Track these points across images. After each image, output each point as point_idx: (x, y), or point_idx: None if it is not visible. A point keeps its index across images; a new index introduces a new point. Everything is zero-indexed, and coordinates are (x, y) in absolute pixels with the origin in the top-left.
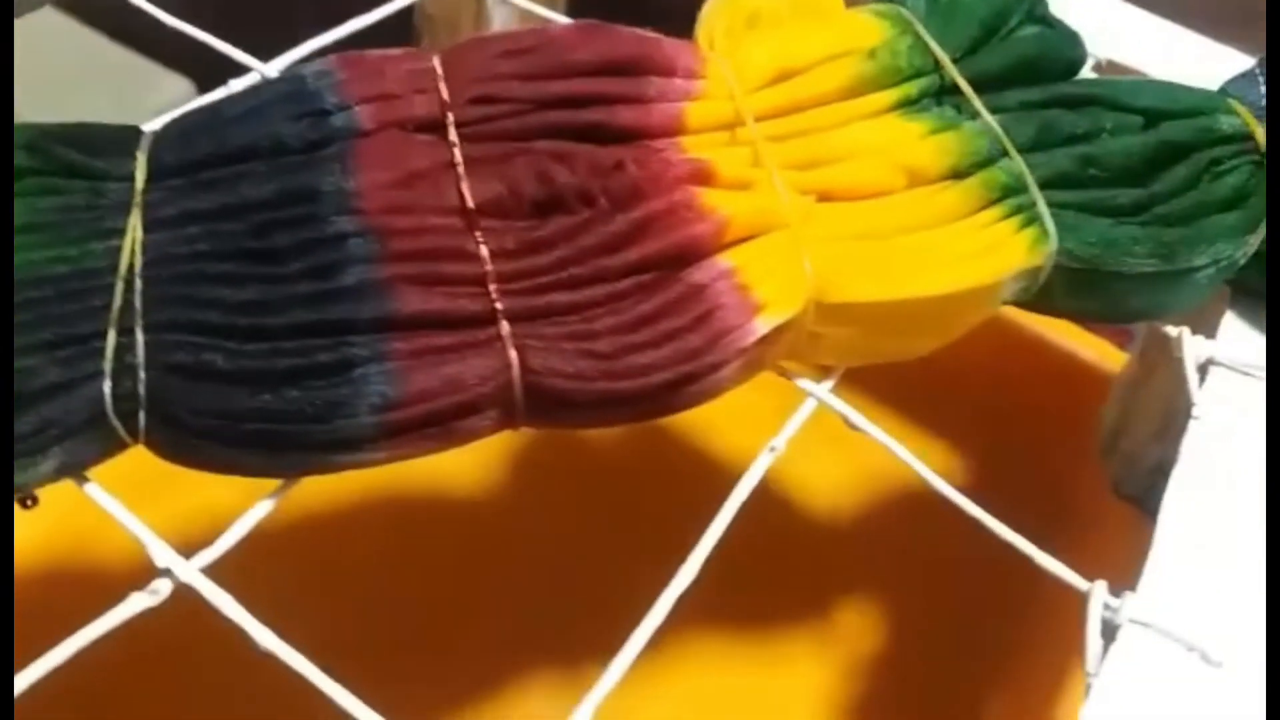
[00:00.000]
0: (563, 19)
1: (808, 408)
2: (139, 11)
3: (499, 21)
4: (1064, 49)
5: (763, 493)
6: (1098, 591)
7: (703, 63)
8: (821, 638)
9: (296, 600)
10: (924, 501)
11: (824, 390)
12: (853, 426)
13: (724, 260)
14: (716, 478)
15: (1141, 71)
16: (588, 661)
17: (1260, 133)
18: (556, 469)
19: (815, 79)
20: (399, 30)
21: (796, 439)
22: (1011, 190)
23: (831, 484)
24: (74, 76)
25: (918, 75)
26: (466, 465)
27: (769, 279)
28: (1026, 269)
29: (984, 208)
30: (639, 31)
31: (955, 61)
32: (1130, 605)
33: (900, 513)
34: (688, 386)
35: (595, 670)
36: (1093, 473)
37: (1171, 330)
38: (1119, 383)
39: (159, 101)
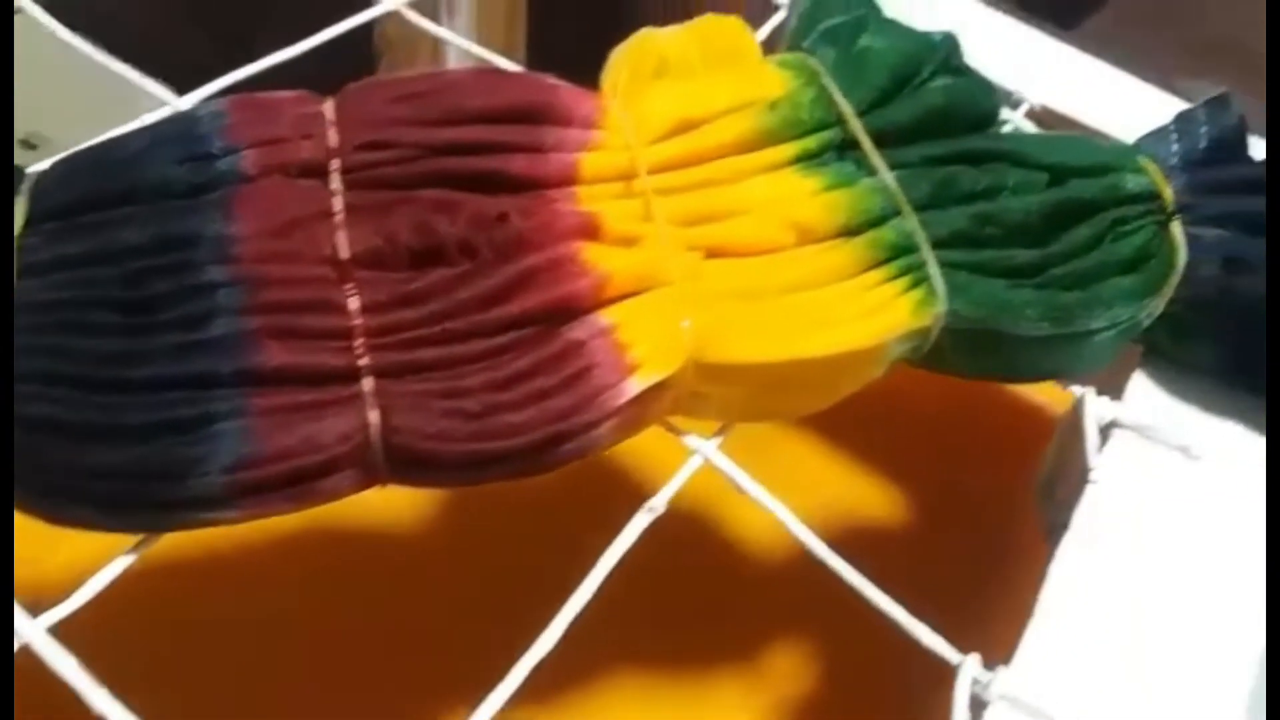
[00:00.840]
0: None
1: (692, 465)
2: (120, 15)
3: (454, 49)
4: (977, 100)
5: (698, 528)
6: (968, 665)
7: (603, 112)
8: (750, 681)
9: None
10: (863, 540)
11: (711, 448)
12: (737, 487)
13: (604, 317)
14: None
15: (1076, 119)
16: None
17: (1168, 192)
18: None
19: (714, 131)
20: (357, 54)
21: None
22: (900, 250)
23: (770, 521)
24: (51, 81)
25: (820, 128)
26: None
27: (647, 338)
28: (913, 330)
29: (871, 268)
30: (540, 78)
31: (863, 113)
32: (1001, 680)
33: (845, 554)
34: (559, 446)
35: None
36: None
37: (1075, 390)
38: (1059, 429)
39: (140, 109)
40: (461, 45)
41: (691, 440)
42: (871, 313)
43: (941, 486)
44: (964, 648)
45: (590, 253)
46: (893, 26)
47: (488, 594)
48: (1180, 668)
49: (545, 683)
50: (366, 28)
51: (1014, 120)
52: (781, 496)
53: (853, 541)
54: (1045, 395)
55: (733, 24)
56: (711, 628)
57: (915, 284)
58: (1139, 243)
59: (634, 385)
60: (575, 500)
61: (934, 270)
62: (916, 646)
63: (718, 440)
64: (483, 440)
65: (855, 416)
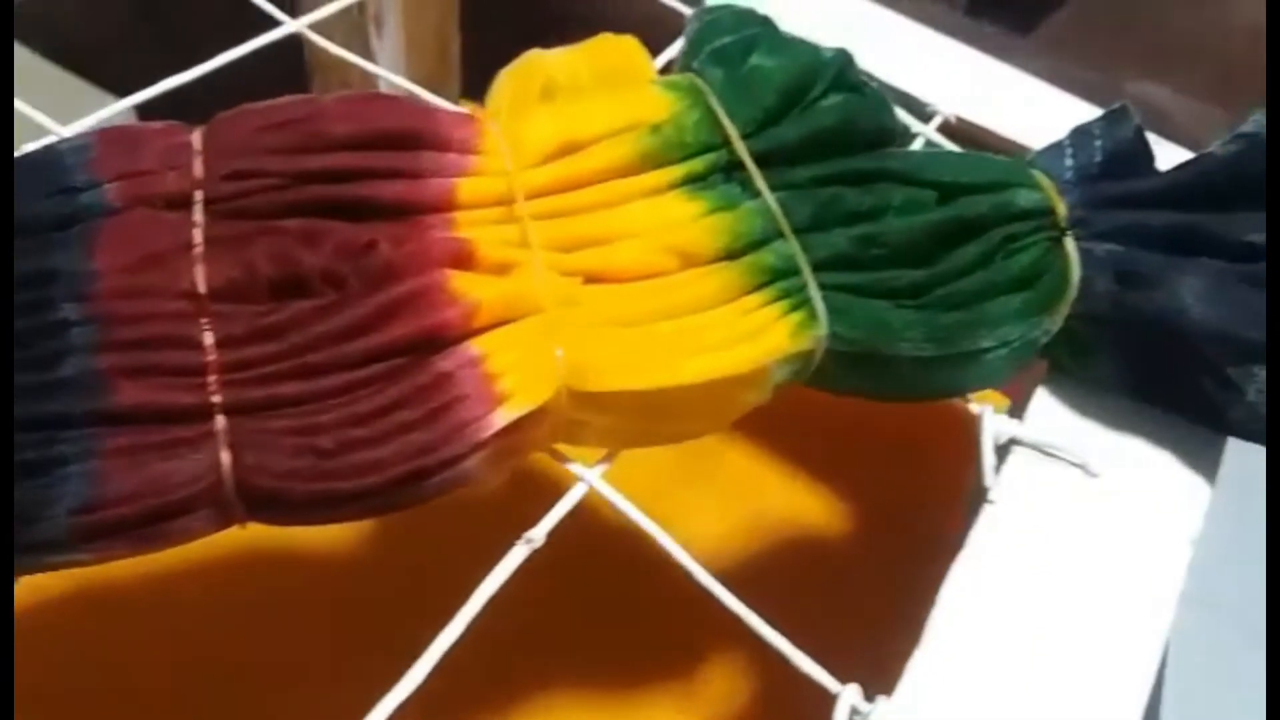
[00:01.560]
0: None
1: (576, 493)
2: (77, 31)
3: (385, 60)
4: (872, 117)
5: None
6: (846, 695)
7: (481, 136)
8: (686, 696)
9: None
10: (801, 549)
11: (595, 475)
12: (621, 512)
13: (473, 347)
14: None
15: (993, 130)
16: None
17: (1061, 207)
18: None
19: (595, 155)
20: (288, 74)
21: (681, 486)
22: (781, 273)
23: (714, 534)
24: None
25: (706, 151)
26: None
27: (518, 368)
28: (793, 354)
29: (750, 292)
30: (417, 102)
31: (751, 134)
32: (880, 710)
33: (782, 565)
34: (422, 482)
35: None
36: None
37: (974, 407)
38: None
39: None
40: (369, 69)
41: (576, 468)
42: (748, 337)
43: (885, 494)
44: (897, 663)
45: (459, 281)
46: (784, 45)
47: (383, 624)
48: (1072, 695)
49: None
50: (297, 48)
51: (926, 133)
52: (721, 504)
53: (791, 551)
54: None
55: (626, 44)
56: (651, 642)
57: (795, 307)
58: (1029, 260)
59: (501, 417)
60: (502, 525)
61: (814, 293)
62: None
63: (603, 467)
64: (335, 479)
65: (800, 423)
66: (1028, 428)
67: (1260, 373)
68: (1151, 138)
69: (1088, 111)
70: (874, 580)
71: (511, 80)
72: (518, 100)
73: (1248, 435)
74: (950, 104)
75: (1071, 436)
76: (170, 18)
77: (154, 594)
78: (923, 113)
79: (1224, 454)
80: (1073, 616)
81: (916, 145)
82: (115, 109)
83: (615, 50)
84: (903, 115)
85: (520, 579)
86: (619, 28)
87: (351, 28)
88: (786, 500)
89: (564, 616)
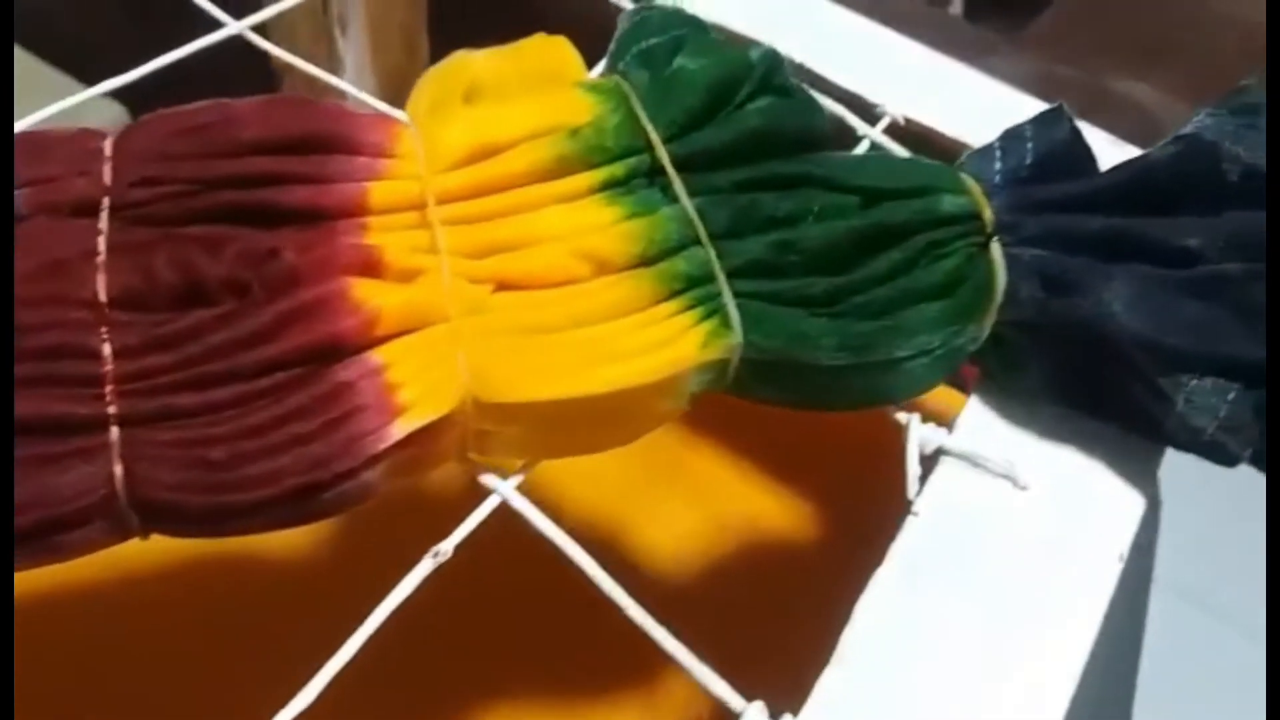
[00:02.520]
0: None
1: (488, 505)
2: (71, 32)
3: (350, 63)
4: (799, 120)
5: (606, 543)
6: (750, 713)
7: (396, 140)
8: (651, 703)
9: None
10: (768, 557)
11: (509, 487)
12: (534, 528)
13: (375, 357)
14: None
15: (942, 130)
16: None
17: (988, 212)
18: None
19: (511, 159)
20: (260, 75)
21: (643, 489)
22: (695, 281)
23: (675, 536)
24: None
25: (627, 155)
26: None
27: (419, 378)
28: (705, 363)
29: (664, 299)
30: (332, 106)
31: (674, 138)
32: None
33: (742, 568)
34: (317, 495)
35: None
36: None
37: (901, 416)
38: None
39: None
40: (333, 65)
41: (489, 479)
42: (659, 346)
43: (849, 500)
44: None
45: (361, 289)
46: (711, 47)
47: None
48: (989, 717)
49: None
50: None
51: (872, 135)
52: (683, 507)
53: (752, 555)
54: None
55: (556, 45)
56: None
57: (708, 315)
58: (950, 267)
59: (400, 428)
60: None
61: (729, 301)
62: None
63: (517, 479)
64: (226, 492)
65: (766, 427)
66: (956, 437)
67: (1190, 382)
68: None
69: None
70: (834, 586)
71: (434, 82)
72: (439, 102)
73: (1182, 446)
74: (899, 104)
75: (1002, 446)
76: (161, 20)
77: (45, 601)
78: (871, 113)
79: (1161, 465)
80: (992, 634)
81: (862, 148)
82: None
83: (545, 52)
84: (849, 117)
85: (475, 585)
86: (588, 26)
87: (318, 27)
88: (749, 504)
89: (519, 624)
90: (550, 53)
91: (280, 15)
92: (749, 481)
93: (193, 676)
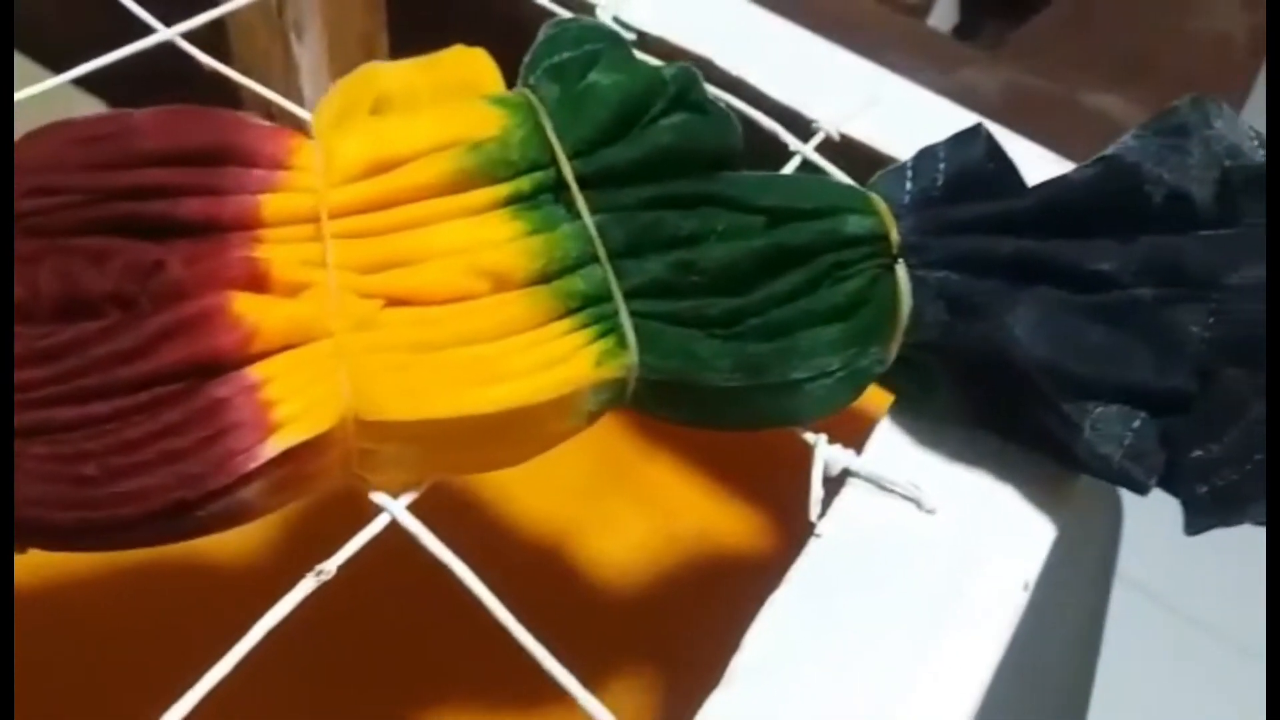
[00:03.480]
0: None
1: (377, 525)
2: (53, 27)
3: (306, 67)
4: (714, 137)
5: (553, 551)
6: None
7: (294, 152)
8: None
9: None
10: (719, 568)
11: (399, 506)
12: (422, 549)
13: (253, 373)
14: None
15: (878, 148)
16: None
17: (895, 233)
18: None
19: (409, 172)
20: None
21: (595, 498)
22: (591, 299)
23: (627, 545)
24: None
25: (533, 170)
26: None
27: (296, 395)
28: (599, 383)
29: (559, 318)
30: (231, 116)
31: (582, 153)
32: None
33: (694, 578)
34: (189, 513)
35: None
36: None
37: (809, 437)
38: None
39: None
40: (237, 79)
41: (379, 498)
42: (549, 365)
43: (801, 513)
44: None
45: (242, 304)
46: (625, 62)
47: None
48: None
49: None
50: (227, 53)
51: (804, 152)
52: (637, 517)
53: (704, 565)
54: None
55: (473, 57)
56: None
57: (603, 335)
58: (852, 289)
59: (272, 447)
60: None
61: (625, 320)
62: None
63: (409, 498)
64: (95, 508)
65: (723, 437)
66: (864, 459)
67: (1096, 409)
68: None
69: (997, 131)
70: None
71: (342, 93)
72: (345, 114)
73: (1094, 473)
74: (835, 120)
75: (911, 469)
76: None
77: None
78: (809, 130)
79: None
80: (887, 662)
81: (792, 165)
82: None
83: (461, 63)
84: (781, 132)
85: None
86: None
87: (275, 30)
88: (702, 515)
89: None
90: (466, 64)
91: (237, 18)
92: (703, 492)
93: (66, 692)
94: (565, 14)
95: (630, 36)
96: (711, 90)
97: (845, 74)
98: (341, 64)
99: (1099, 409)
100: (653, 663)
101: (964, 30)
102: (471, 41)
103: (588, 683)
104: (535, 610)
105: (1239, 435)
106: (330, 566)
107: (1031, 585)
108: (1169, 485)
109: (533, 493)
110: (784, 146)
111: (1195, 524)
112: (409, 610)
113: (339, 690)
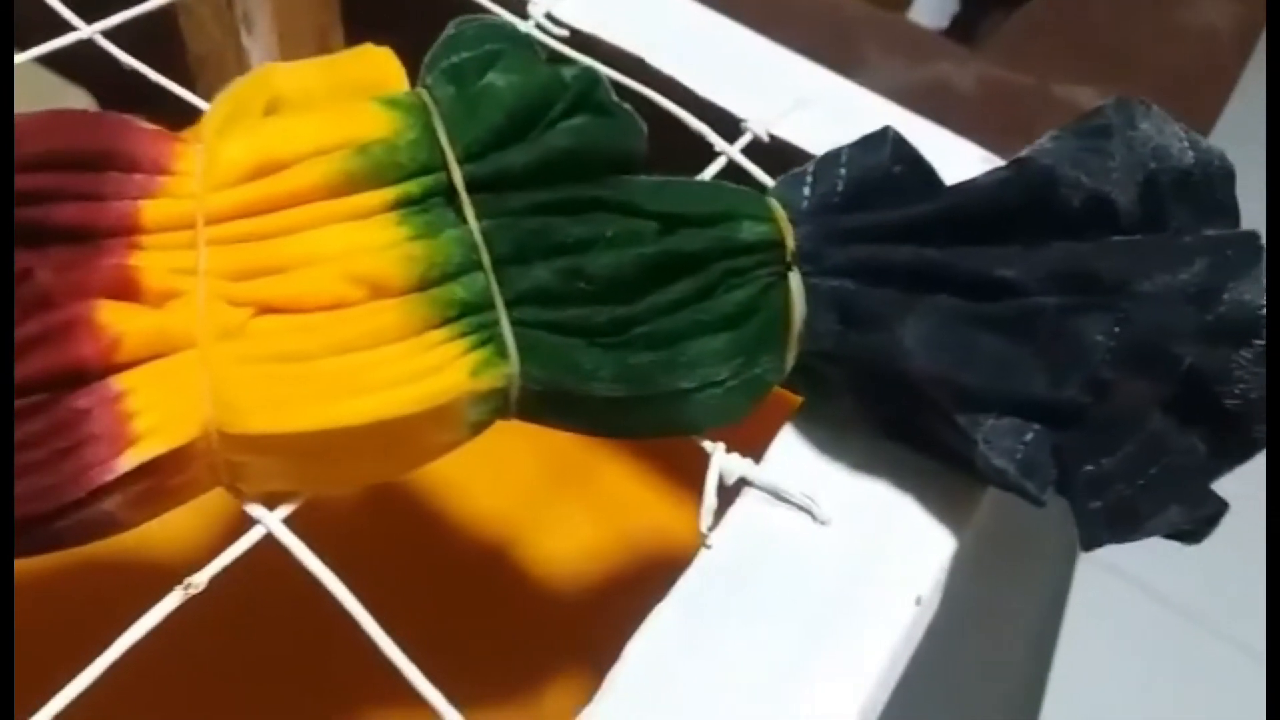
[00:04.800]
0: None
1: (252, 537)
2: (40, 21)
3: (257, 60)
4: (615, 140)
5: (504, 553)
6: None
7: (177, 156)
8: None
9: None
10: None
11: (275, 519)
12: (298, 561)
13: (115, 384)
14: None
15: (807, 150)
16: None
17: (790, 241)
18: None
19: (291, 176)
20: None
21: (547, 498)
22: (471, 308)
23: (578, 548)
24: None
25: (424, 173)
26: None
27: (157, 407)
28: (480, 394)
29: (437, 326)
30: (115, 121)
31: (476, 157)
32: None
33: (644, 581)
34: (47, 526)
35: None
36: None
37: (707, 445)
38: None
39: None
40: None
41: (254, 510)
42: (423, 376)
43: None
44: None
45: (107, 312)
46: (525, 64)
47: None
48: None
49: None
50: (181, 46)
51: (730, 153)
52: (589, 519)
53: (652, 572)
54: None
55: (376, 57)
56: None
57: (481, 344)
58: (743, 297)
59: (129, 460)
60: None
61: (506, 329)
62: None
63: (285, 511)
64: None
65: (676, 441)
66: (762, 468)
67: (988, 421)
68: None
69: (928, 130)
70: None
71: (234, 95)
72: (235, 116)
73: (995, 485)
74: (765, 121)
75: (810, 479)
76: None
77: None
78: (738, 129)
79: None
80: (767, 676)
81: (716, 167)
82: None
83: (362, 64)
84: (708, 134)
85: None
86: None
87: (226, 26)
88: (655, 517)
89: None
90: (369, 65)
91: (189, 12)
92: (657, 493)
93: None
94: (501, 12)
95: (562, 33)
96: (641, 90)
97: (781, 73)
98: (295, 58)
99: (990, 421)
100: (603, 665)
101: (964, 22)
102: (428, 35)
103: (535, 685)
104: (484, 612)
105: (1134, 449)
106: (200, 579)
107: (925, 599)
108: (1068, 497)
109: (482, 493)
110: (712, 148)
111: (1088, 539)
112: (300, 621)
113: (247, 697)
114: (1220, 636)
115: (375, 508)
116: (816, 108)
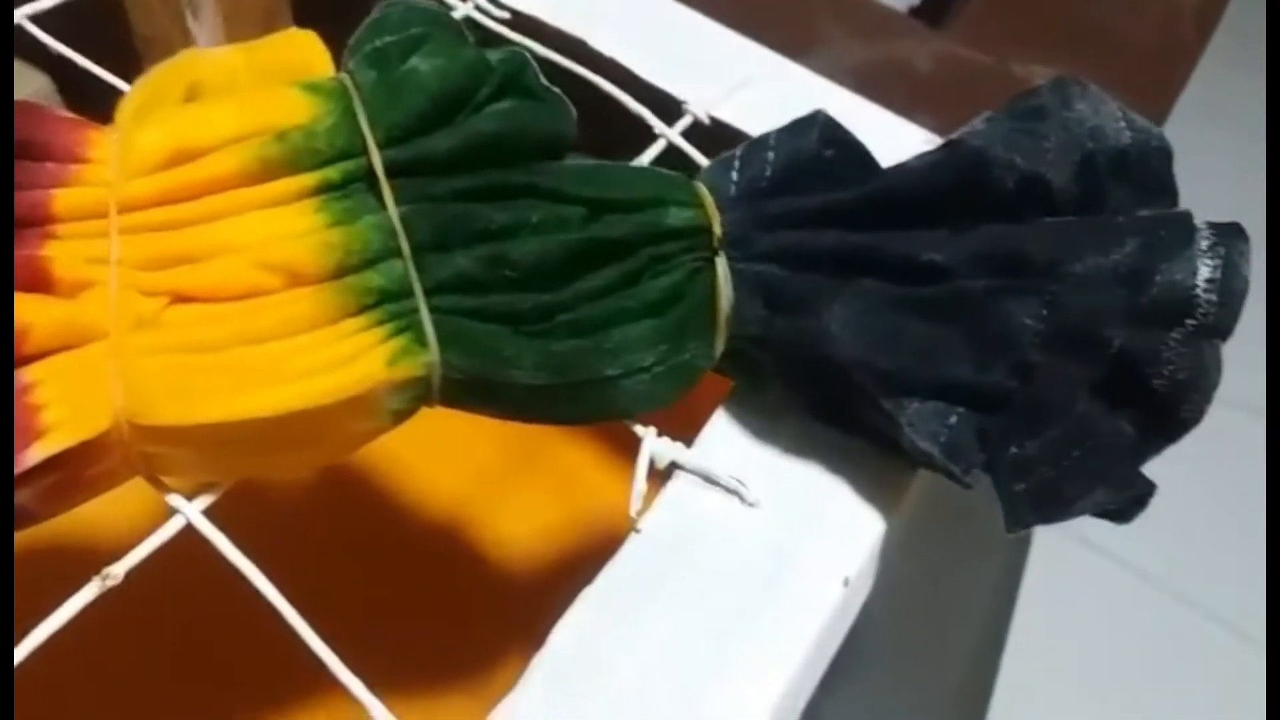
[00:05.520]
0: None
1: (171, 528)
2: None
3: (203, 44)
4: (544, 125)
5: (459, 533)
6: None
7: (90, 144)
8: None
9: None
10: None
11: (195, 510)
12: (218, 552)
13: (24, 376)
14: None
15: (745, 130)
16: None
17: (717, 226)
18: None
19: (209, 164)
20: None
21: (505, 479)
22: (389, 295)
23: (534, 529)
24: None
25: (344, 159)
26: None
27: (65, 399)
28: (398, 383)
29: (353, 314)
30: (29, 109)
31: (398, 141)
32: None
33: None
34: None
35: None
36: None
37: (638, 429)
38: None
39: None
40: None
41: (174, 500)
42: (338, 365)
43: None
44: None
45: (16, 304)
46: (449, 47)
47: None
48: None
49: None
50: (128, 31)
51: (669, 135)
52: (546, 500)
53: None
54: None
55: (302, 40)
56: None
57: (399, 332)
58: (668, 284)
59: (37, 453)
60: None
61: (425, 317)
62: None
63: (204, 501)
64: None
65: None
66: (693, 452)
67: (911, 405)
68: None
69: (870, 112)
70: None
71: (152, 81)
72: (152, 103)
73: (925, 468)
74: (705, 103)
75: (743, 463)
76: None
77: None
78: (679, 110)
79: (913, 484)
80: (691, 660)
81: (654, 150)
82: None
83: (287, 48)
84: (647, 116)
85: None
86: None
87: (172, 9)
88: (613, 498)
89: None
90: (293, 49)
91: None
92: (616, 475)
93: None
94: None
95: (503, 15)
96: (581, 72)
97: (724, 54)
98: (242, 41)
99: (915, 405)
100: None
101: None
102: None
103: (487, 667)
104: (443, 594)
105: (1058, 432)
106: (118, 570)
107: (854, 580)
108: (993, 479)
109: (441, 474)
110: (648, 130)
111: (1012, 521)
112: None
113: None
114: (1199, 610)
115: (327, 489)
116: (759, 89)
